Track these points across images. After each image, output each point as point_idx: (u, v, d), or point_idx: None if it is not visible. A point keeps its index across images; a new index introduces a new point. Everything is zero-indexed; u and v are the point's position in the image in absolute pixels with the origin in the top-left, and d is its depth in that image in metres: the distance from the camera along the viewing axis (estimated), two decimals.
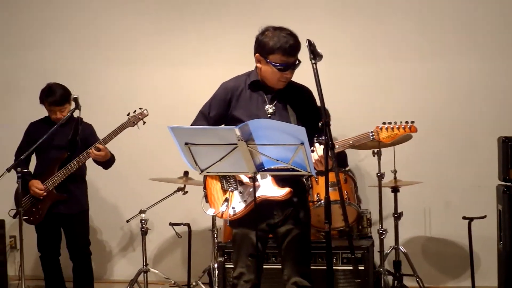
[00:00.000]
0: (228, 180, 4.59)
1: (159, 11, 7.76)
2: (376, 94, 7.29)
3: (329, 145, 3.96)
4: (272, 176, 4.44)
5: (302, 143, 3.84)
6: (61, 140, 6.29)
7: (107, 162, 6.38)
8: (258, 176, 4.38)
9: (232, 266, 6.06)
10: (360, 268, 5.90)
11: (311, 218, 4.75)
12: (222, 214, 4.52)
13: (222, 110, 4.61)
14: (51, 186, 6.23)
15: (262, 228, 4.51)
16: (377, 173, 6.29)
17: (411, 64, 7.26)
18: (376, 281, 6.30)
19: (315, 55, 4.11)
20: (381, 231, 6.36)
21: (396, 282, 6.49)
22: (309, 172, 4.01)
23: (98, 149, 6.14)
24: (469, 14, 7.20)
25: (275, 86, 4.52)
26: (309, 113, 4.56)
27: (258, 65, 4.50)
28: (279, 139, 3.89)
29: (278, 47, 4.36)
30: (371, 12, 7.36)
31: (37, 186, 6.23)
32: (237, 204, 4.50)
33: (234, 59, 7.36)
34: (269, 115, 4.50)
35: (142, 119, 6.22)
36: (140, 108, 6.23)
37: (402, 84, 7.29)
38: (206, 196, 4.69)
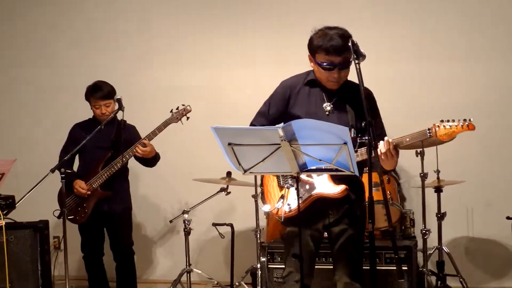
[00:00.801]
0: (284, 177, 4.59)
1: (199, 11, 7.78)
2: (418, 94, 7.24)
3: (372, 145, 3.94)
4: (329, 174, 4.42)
5: (345, 143, 3.83)
6: (105, 141, 6.32)
7: (152, 159, 6.42)
8: (314, 174, 4.38)
9: (276, 266, 6.12)
10: (403, 268, 5.89)
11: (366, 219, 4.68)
12: (277, 211, 4.52)
13: (281, 107, 4.62)
14: (96, 184, 6.30)
15: (317, 228, 4.51)
16: (420, 173, 6.26)
17: (454, 64, 7.19)
18: (419, 281, 6.27)
19: (358, 55, 4.09)
20: (424, 231, 6.33)
21: (439, 282, 6.45)
22: (352, 172, 4.00)
23: (144, 145, 6.19)
24: None
25: (326, 85, 4.49)
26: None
27: (311, 64, 4.51)
28: (322, 139, 3.88)
29: (320, 46, 4.35)
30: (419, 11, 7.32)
31: (80, 185, 6.29)
32: (293, 201, 4.47)
33: (272, 60, 7.41)
34: (327, 113, 4.48)
35: (185, 114, 6.28)
36: (183, 105, 6.28)
37: (442, 84, 7.22)
38: (262, 193, 4.70)
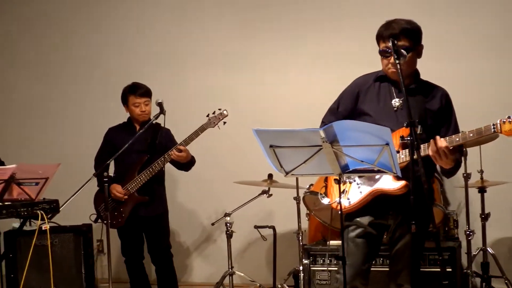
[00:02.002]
0: None
1: (238, 15, 7.80)
2: (464, 92, 7.14)
3: (414, 146, 3.91)
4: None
5: (387, 144, 3.81)
6: (141, 145, 6.35)
7: (187, 164, 6.44)
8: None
9: (318, 268, 6.10)
10: (447, 270, 5.84)
11: (430, 222, 4.60)
12: (337, 205, 4.42)
13: (350, 104, 4.61)
14: (132, 189, 6.31)
15: (374, 226, 4.46)
16: (463, 174, 6.19)
17: (498, 60, 7.11)
18: (464, 283, 6.21)
19: (398, 55, 4.09)
20: (468, 232, 6.27)
21: (484, 284, 6.39)
22: (394, 173, 3.97)
23: (180, 150, 6.20)
24: None
25: (388, 75, 4.47)
26: (439, 113, 4.49)
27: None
28: (364, 140, 3.86)
29: (379, 34, 4.41)
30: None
31: (117, 189, 6.31)
32: (353, 196, 4.44)
33: (313, 62, 7.40)
34: (395, 109, 4.45)
35: (222, 119, 6.26)
36: (219, 109, 6.26)
37: (485, 81, 7.14)
38: (326, 187, 4.66)
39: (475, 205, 6.48)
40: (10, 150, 7.06)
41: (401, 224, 4.44)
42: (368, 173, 4.19)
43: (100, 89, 8.18)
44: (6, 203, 5.30)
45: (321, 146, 3.89)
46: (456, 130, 4.46)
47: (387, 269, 4.64)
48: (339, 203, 4.19)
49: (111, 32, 8.21)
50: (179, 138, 6.40)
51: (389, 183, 4.36)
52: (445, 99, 4.53)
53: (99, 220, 6.44)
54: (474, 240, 6.37)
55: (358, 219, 4.46)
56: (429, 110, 4.45)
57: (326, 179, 4.70)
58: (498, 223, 6.82)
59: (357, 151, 3.93)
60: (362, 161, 3.96)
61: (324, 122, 4.67)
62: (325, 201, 4.62)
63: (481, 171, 6.32)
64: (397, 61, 4.07)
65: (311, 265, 6.22)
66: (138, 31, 8.11)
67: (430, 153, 4.18)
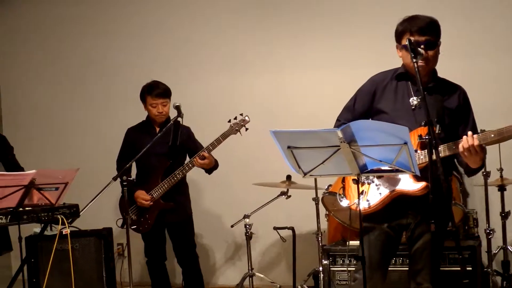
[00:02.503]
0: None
1: (257, 16, 7.82)
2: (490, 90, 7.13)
3: (433, 144, 3.91)
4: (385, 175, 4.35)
5: (405, 143, 3.81)
6: (161, 146, 6.34)
7: (210, 169, 6.44)
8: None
9: (338, 268, 6.09)
10: (467, 268, 5.82)
11: (449, 221, 4.56)
12: (356, 207, 4.41)
13: (367, 102, 4.58)
14: (157, 196, 6.31)
15: (392, 227, 4.45)
16: (483, 172, 6.16)
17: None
18: (484, 282, 6.19)
19: (416, 54, 4.08)
20: (488, 230, 6.26)
21: (504, 282, 6.37)
22: (413, 172, 3.96)
23: (203, 158, 6.20)
24: None
25: (414, 72, 4.30)
26: (457, 111, 4.47)
27: (399, 54, 4.49)
28: (382, 140, 3.86)
29: (406, 27, 4.36)
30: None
31: (143, 197, 6.32)
32: (372, 197, 4.42)
33: (333, 63, 7.39)
34: (413, 107, 4.42)
35: (244, 125, 6.24)
36: (241, 115, 6.24)
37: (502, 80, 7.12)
38: (344, 188, 4.63)
39: (495, 204, 6.45)
40: (29, 156, 7.08)
41: (420, 223, 4.42)
42: (387, 173, 4.19)
43: (119, 92, 8.22)
44: (27, 208, 5.34)
45: (339, 146, 3.89)
46: (474, 129, 4.43)
47: (407, 268, 4.61)
48: (358, 204, 4.18)
49: (131, 34, 8.28)
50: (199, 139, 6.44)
51: (409, 184, 4.34)
52: (463, 97, 4.51)
53: (125, 226, 6.43)
54: (494, 238, 6.35)
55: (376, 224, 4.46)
56: (447, 109, 4.42)
57: (343, 180, 4.68)
58: None
59: (375, 151, 3.92)
60: (380, 161, 3.96)
61: (339, 120, 4.68)
62: (344, 203, 4.58)
63: (501, 169, 6.30)
64: (414, 60, 4.06)
65: (330, 266, 6.22)
66: (157, 33, 8.16)
67: (461, 149, 4.13)
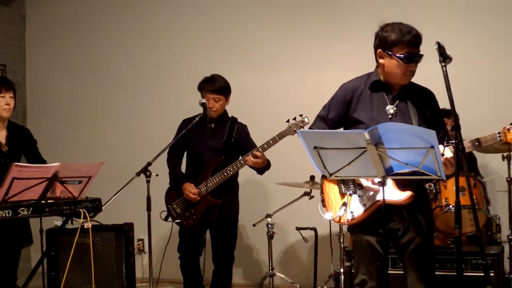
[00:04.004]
0: (346, 184, 4.53)
1: (287, 15, 7.82)
2: (502, 96, 7.09)
3: (459, 148, 3.88)
4: (394, 180, 4.33)
5: (432, 147, 3.78)
6: (215, 142, 6.31)
7: (262, 168, 6.34)
8: (378, 180, 4.30)
9: None
10: (491, 274, 5.77)
11: (435, 224, 4.64)
12: (340, 219, 4.47)
13: (342, 111, 4.57)
14: (205, 190, 6.22)
15: (381, 233, 4.41)
16: (507, 178, 6.11)
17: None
18: None
19: (444, 58, 4.04)
20: (511, 237, 6.20)
21: None
22: (439, 176, 3.93)
23: (256, 157, 6.12)
24: None
25: (400, 81, 4.45)
26: (432, 116, 4.52)
27: (381, 61, 4.45)
28: (409, 143, 3.83)
29: (401, 38, 4.33)
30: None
31: (190, 190, 6.24)
32: (356, 208, 4.44)
33: (355, 63, 7.34)
34: (390, 116, 4.44)
35: (303, 126, 6.05)
36: (301, 115, 6.07)
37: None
38: (323, 200, 4.65)
39: None
40: (53, 150, 7.10)
41: (407, 230, 4.46)
42: (412, 176, 4.15)
43: (146, 86, 8.24)
44: (49, 201, 5.33)
45: (365, 148, 3.87)
46: (446, 133, 4.51)
47: (401, 271, 4.63)
48: (383, 204, 4.17)
49: (160, 29, 8.34)
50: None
51: (393, 194, 4.36)
52: (434, 101, 4.58)
53: (170, 219, 6.40)
54: None
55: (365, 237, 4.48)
56: (422, 115, 4.47)
57: (321, 191, 4.68)
58: None
59: (402, 154, 3.90)
60: (406, 164, 3.93)
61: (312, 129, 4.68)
62: (328, 216, 4.57)
63: None
64: (442, 64, 4.03)
65: (352, 268, 6.17)
66: (187, 28, 8.20)
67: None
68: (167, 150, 6.19)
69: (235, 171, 6.21)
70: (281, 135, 6.06)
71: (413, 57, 4.34)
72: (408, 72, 4.41)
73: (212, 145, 6.30)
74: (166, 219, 6.35)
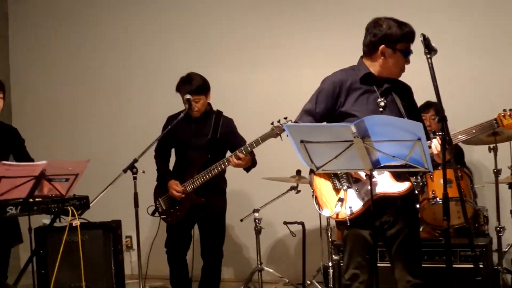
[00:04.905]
0: (340, 179, 4.50)
1: (270, 12, 7.83)
2: (490, 87, 7.12)
3: (446, 140, 3.89)
4: (390, 171, 4.34)
5: (419, 139, 3.78)
6: (200, 140, 6.27)
7: (247, 168, 6.30)
8: (375, 173, 4.29)
9: None
10: (480, 266, 5.81)
11: (422, 216, 4.66)
12: (337, 215, 4.44)
13: (330, 104, 4.54)
14: (190, 189, 6.20)
15: (374, 226, 4.43)
16: (494, 169, 6.15)
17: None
18: (494, 279, 6.17)
19: (430, 50, 4.05)
20: (498, 228, 6.23)
21: None
22: (426, 169, 3.94)
23: (239, 158, 6.07)
24: None
25: (395, 76, 4.52)
26: (412, 109, 4.57)
27: (382, 56, 4.45)
28: (395, 135, 3.84)
29: (405, 35, 4.39)
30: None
31: (175, 188, 6.21)
32: (354, 203, 4.41)
33: (342, 60, 7.36)
34: (381, 109, 4.45)
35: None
36: (285, 118, 5.95)
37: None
38: (315, 197, 4.59)
39: (505, 201, 6.42)
40: (39, 148, 7.08)
41: (396, 222, 4.46)
42: (399, 169, 4.16)
43: (131, 84, 8.25)
44: (37, 199, 5.33)
45: (352, 141, 3.87)
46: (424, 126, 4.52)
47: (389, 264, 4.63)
48: (370, 201, 4.18)
49: (149, 30, 8.37)
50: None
51: (391, 185, 4.38)
52: (412, 94, 4.69)
53: (156, 214, 6.38)
54: (505, 236, 6.33)
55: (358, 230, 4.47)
56: (405, 107, 4.51)
57: (312, 188, 4.64)
58: None
59: (388, 146, 3.91)
60: (393, 157, 3.94)
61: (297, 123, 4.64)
62: (325, 212, 4.53)
63: None
64: (428, 56, 4.04)
65: (340, 261, 6.19)
66: (172, 29, 8.19)
67: (435, 152, 4.24)
68: (154, 147, 6.18)
69: (220, 170, 6.17)
70: (264, 138, 6.00)
71: (410, 52, 4.42)
72: (404, 67, 4.49)
73: (197, 143, 6.28)
74: (153, 214, 6.35)
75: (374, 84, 4.52)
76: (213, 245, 6.40)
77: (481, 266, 5.84)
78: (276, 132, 5.98)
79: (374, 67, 4.51)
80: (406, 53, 4.41)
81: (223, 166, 6.13)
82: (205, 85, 6.28)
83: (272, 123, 6.01)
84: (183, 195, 6.22)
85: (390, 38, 4.40)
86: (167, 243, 6.45)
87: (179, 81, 6.33)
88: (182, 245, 6.44)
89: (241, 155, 6.03)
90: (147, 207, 6.36)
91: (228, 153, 6.28)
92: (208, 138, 6.24)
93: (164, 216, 6.32)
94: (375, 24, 4.47)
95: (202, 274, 6.50)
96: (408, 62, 4.46)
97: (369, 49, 4.50)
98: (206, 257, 6.43)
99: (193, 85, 6.20)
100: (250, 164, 6.21)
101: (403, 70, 4.51)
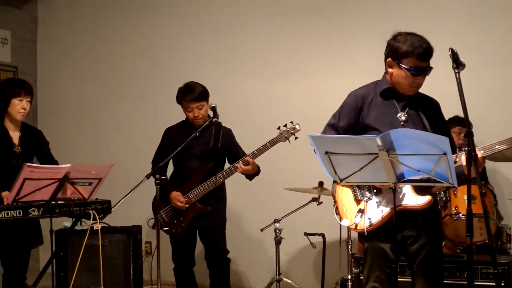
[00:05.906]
0: (361, 190, 4.51)
1: (288, 21, 7.84)
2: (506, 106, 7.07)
3: (472, 156, 3.87)
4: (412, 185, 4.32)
5: (444, 154, 3.76)
6: (201, 149, 6.22)
7: (252, 175, 6.30)
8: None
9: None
10: (502, 284, 5.76)
11: (444, 232, 4.63)
12: (356, 226, 4.45)
13: (353, 119, 4.58)
14: (194, 198, 6.18)
15: (395, 240, 4.39)
16: None
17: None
18: None
19: (458, 64, 4.03)
20: None
21: None
22: (451, 184, 3.92)
23: (247, 163, 6.06)
24: None
25: (406, 92, 4.49)
26: (438, 124, 4.54)
27: (390, 70, 4.47)
28: (421, 149, 3.82)
29: (411, 51, 4.35)
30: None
31: (178, 199, 6.18)
32: (373, 215, 4.41)
33: (363, 70, 7.33)
34: (402, 123, 4.45)
35: (294, 134, 6.04)
36: (291, 122, 6.05)
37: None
38: (336, 207, 4.61)
39: None
40: (64, 151, 7.12)
41: (419, 237, 4.45)
42: (424, 183, 4.14)
43: (156, 89, 8.27)
44: (60, 201, 5.35)
45: (377, 154, 3.86)
46: (452, 142, 4.47)
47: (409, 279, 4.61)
48: (394, 208, 4.15)
49: (172, 35, 8.36)
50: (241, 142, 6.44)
51: (412, 198, 4.37)
52: (439, 109, 4.65)
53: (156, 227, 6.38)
54: None
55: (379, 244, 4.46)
56: (430, 121, 4.50)
57: (334, 197, 4.65)
58: None
59: (413, 160, 3.89)
60: (418, 171, 3.92)
61: None
62: (344, 222, 4.54)
63: None
64: (456, 70, 4.02)
65: (360, 274, 6.16)
66: (195, 34, 8.22)
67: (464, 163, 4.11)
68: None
69: (226, 178, 6.16)
70: (272, 142, 6.03)
71: (421, 70, 4.37)
72: (415, 84, 4.44)
73: (199, 152, 6.25)
74: (153, 227, 6.27)
75: (395, 99, 4.52)
76: (219, 255, 6.39)
77: (502, 284, 5.78)
78: (284, 136, 6.03)
79: (390, 80, 4.52)
80: (413, 70, 4.36)
81: (229, 173, 6.13)
82: (206, 92, 6.29)
83: (279, 128, 6.05)
84: (187, 205, 6.20)
85: (395, 52, 4.42)
86: (174, 257, 6.46)
87: (178, 92, 6.34)
88: (188, 257, 6.46)
89: (250, 160, 6.04)
90: (148, 220, 6.37)
91: (227, 163, 6.33)
92: (210, 147, 6.11)
93: (167, 228, 6.27)
94: (393, 37, 4.49)
95: (211, 283, 6.49)
96: (419, 80, 4.42)
97: (384, 62, 4.53)
98: (213, 267, 6.43)
99: (196, 92, 6.20)
100: (255, 171, 6.22)
101: (413, 86, 4.45)
